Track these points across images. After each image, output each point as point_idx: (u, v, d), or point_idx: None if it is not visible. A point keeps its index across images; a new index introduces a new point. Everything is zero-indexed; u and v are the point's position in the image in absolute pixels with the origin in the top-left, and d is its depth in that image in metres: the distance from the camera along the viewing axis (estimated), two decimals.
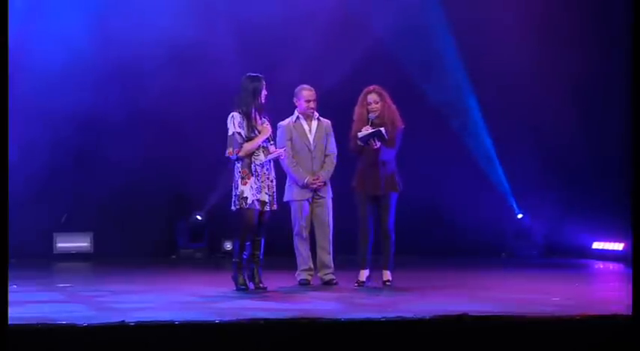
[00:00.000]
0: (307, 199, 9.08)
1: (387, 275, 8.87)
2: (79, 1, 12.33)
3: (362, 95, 8.85)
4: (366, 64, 12.42)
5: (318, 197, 9.10)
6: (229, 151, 8.41)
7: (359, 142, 8.69)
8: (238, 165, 8.44)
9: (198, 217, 12.72)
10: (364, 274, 8.89)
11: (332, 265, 9.12)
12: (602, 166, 12.45)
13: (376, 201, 8.81)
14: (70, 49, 12.15)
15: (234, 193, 8.44)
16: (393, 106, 8.82)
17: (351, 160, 9.01)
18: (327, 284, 9.03)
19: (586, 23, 12.62)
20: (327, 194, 9.13)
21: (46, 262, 11.93)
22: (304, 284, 9.04)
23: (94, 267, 11.95)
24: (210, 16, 12.33)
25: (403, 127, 8.84)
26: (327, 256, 9.11)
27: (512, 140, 12.83)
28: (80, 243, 12.64)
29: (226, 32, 12.37)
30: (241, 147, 8.38)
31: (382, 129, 8.64)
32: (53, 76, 12.08)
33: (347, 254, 12.44)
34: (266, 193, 8.44)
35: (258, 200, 8.40)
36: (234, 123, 8.42)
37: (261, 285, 8.51)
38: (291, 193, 9.11)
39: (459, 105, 12.73)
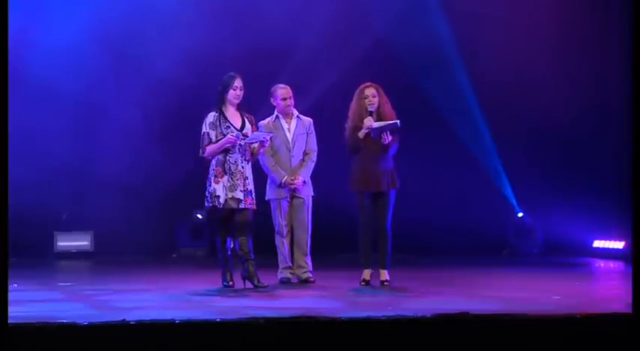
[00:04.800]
0: (285, 198, 9.12)
1: (384, 275, 8.82)
2: None
3: (358, 91, 8.80)
4: (365, 62, 12.41)
5: (297, 197, 9.14)
6: (200, 151, 8.56)
7: (372, 134, 8.59)
8: (213, 162, 8.53)
9: (199, 216, 12.71)
10: (369, 272, 8.84)
11: (309, 263, 9.16)
12: (602, 165, 12.44)
13: (375, 198, 8.78)
14: (72, 46, 12.17)
15: (207, 190, 8.51)
16: (389, 103, 8.79)
17: (348, 157, 8.98)
18: (305, 282, 9.07)
19: (593, 23, 12.59)
20: (307, 193, 9.17)
21: (46, 261, 11.93)
22: (285, 282, 9.08)
23: (94, 266, 11.96)
24: (212, 12, 12.32)
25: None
26: (302, 257, 9.15)
27: (512, 138, 12.81)
28: (81, 242, 12.62)
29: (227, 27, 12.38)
30: (206, 148, 8.51)
31: (398, 121, 8.61)
32: (56, 71, 12.09)
33: (348, 253, 12.47)
34: (240, 191, 8.47)
35: (232, 198, 8.45)
36: (206, 123, 8.55)
37: (261, 283, 8.52)
38: (270, 192, 9.18)
39: (459, 103, 12.71)
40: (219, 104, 8.61)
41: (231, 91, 8.57)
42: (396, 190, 8.79)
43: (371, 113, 8.66)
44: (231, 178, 8.47)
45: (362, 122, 8.64)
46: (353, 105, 8.81)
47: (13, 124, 12.29)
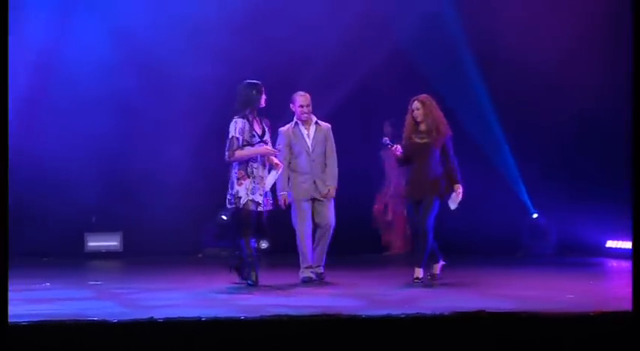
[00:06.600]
0: (308, 200, 9.14)
1: (418, 273, 8.90)
2: None
3: (409, 104, 9.04)
4: (385, 70, 12.40)
5: (319, 199, 9.17)
6: (226, 153, 8.59)
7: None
8: (236, 166, 8.60)
9: (223, 217, 12.72)
10: (437, 267, 9.10)
11: (322, 261, 9.19)
12: (616, 166, 12.31)
13: (418, 203, 8.92)
14: (107, 51, 12.26)
15: (230, 193, 8.60)
16: (437, 114, 8.94)
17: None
18: (317, 277, 9.12)
19: (610, 29, 12.47)
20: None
21: (77, 261, 11.96)
22: (306, 282, 9.07)
23: (123, 265, 11.98)
24: (233, 17, 12.33)
25: (450, 134, 8.98)
26: (321, 255, 9.19)
27: (527, 142, 12.74)
28: (110, 242, 12.67)
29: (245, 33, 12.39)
30: (234, 152, 8.54)
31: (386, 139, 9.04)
32: (85, 71, 12.18)
33: (368, 253, 12.46)
34: (260, 194, 8.59)
35: (252, 201, 8.55)
36: (236, 128, 8.59)
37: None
38: (292, 193, 9.20)
39: (474, 105, 12.62)
40: (246, 111, 8.65)
41: (261, 99, 8.65)
42: (440, 196, 8.92)
43: (417, 124, 8.87)
44: (253, 182, 8.57)
45: (410, 137, 8.88)
46: (406, 118, 9.03)
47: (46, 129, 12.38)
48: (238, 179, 8.55)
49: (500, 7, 12.41)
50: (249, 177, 8.55)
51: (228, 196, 8.61)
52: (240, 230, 8.70)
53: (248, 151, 8.56)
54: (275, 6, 12.39)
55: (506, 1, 12.44)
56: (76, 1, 12.45)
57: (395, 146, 8.89)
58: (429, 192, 8.83)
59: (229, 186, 8.62)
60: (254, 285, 8.58)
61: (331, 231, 9.18)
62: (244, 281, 8.68)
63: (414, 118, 8.89)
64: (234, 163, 8.60)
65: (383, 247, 12.72)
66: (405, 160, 8.95)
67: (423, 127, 8.87)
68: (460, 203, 9.07)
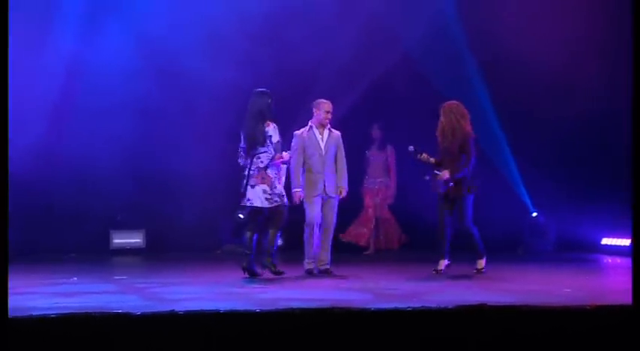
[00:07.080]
0: (319, 196, 9.36)
1: (480, 264, 9.39)
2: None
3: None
4: (392, 78, 12.45)
5: (330, 198, 9.41)
6: (286, 154, 9.03)
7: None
8: (274, 167, 8.98)
9: (240, 216, 12.79)
10: (443, 263, 9.34)
11: (328, 257, 9.42)
12: (612, 168, 12.32)
13: (453, 202, 9.25)
14: (130, 58, 12.34)
15: (270, 193, 8.94)
16: (454, 120, 9.27)
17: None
18: (324, 273, 9.33)
19: (610, 31, 12.44)
20: (336, 196, 9.45)
21: (103, 257, 12.05)
22: (310, 273, 9.32)
23: (146, 261, 12.05)
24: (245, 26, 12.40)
25: (468, 137, 9.26)
26: (325, 252, 9.43)
27: (526, 141, 12.73)
28: (134, 239, 12.76)
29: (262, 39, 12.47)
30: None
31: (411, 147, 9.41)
32: (112, 76, 12.27)
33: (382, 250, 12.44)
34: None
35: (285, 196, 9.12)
36: (277, 133, 9.00)
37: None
38: (305, 191, 9.42)
39: (477, 108, 12.61)
40: (267, 117, 8.97)
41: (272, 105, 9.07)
42: (470, 194, 9.27)
43: (444, 130, 9.32)
44: (278, 181, 9.05)
45: (442, 142, 9.34)
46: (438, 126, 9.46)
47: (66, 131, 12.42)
48: (278, 179, 9.00)
49: (502, 10, 12.41)
50: (281, 177, 9.09)
51: (267, 196, 8.93)
52: (278, 224, 9.03)
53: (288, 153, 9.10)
54: (292, 12, 12.46)
55: (508, 4, 12.48)
56: (103, 10, 12.54)
57: (422, 154, 9.31)
58: (456, 191, 9.19)
59: (269, 186, 8.92)
60: (280, 273, 8.97)
61: (332, 229, 9.45)
62: (256, 276, 9.01)
63: (442, 125, 9.30)
64: (270, 166, 8.95)
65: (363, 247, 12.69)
66: (438, 163, 9.35)
67: (446, 132, 9.29)
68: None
